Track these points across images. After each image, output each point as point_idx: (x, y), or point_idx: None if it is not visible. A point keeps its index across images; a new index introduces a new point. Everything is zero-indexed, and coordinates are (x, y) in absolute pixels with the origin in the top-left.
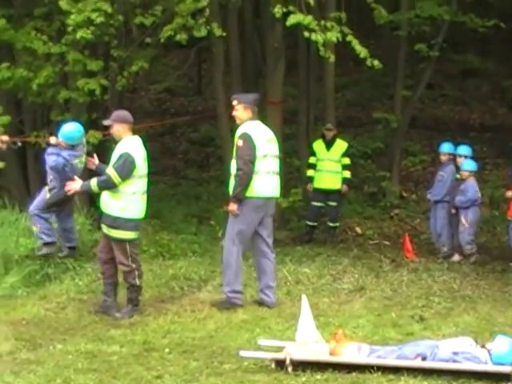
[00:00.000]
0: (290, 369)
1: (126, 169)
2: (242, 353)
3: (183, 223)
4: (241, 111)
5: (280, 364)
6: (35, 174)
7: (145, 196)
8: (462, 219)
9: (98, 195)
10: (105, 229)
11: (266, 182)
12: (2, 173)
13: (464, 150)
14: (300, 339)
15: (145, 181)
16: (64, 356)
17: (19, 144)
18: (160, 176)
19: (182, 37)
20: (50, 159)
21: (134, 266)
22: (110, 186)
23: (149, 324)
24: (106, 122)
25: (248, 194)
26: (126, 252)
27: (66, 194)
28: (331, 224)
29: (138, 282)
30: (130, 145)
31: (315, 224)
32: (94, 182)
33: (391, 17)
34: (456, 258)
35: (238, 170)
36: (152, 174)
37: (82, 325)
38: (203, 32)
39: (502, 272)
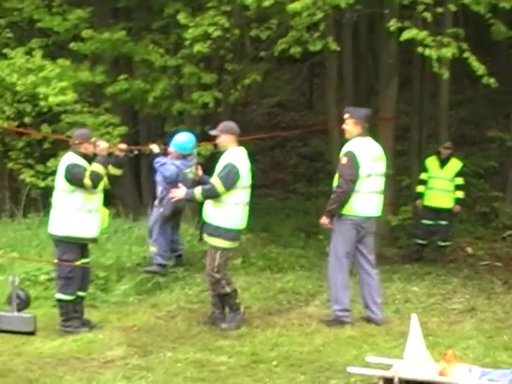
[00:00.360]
0: None
1: (230, 179)
2: (350, 369)
3: (291, 237)
4: (351, 126)
5: (388, 382)
6: (148, 183)
7: (247, 207)
8: None
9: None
10: (206, 237)
11: (367, 202)
12: (116, 182)
13: None
14: (409, 358)
15: (247, 192)
16: (173, 364)
17: (135, 152)
18: (269, 189)
19: (296, 50)
20: (165, 169)
21: (218, 276)
22: (213, 195)
23: (256, 336)
24: (212, 132)
25: (347, 213)
26: (215, 261)
27: (178, 203)
28: (441, 243)
29: (228, 289)
30: (235, 156)
31: (425, 242)
32: (198, 191)
33: (510, 33)
34: None
35: (337, 186)
36: (261, 188)
37: (191, 334)
38: (318, 46)
39: None
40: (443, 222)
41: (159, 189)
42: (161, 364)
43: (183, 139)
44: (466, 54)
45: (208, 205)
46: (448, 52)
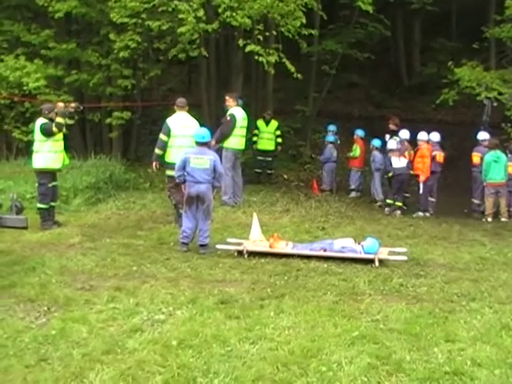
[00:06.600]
0: (246, 256)
1: None
2: (217, 246)
3: None
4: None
5: (240, 253)
6: (92, 138)
7: None
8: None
9: None
10: None
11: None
12: (70, 138)
13: (330, 127)
14: (252, 238)
15: None
16: (111, 245)
17: (81, 108)
18: None
19: (182, 56)
20: None
21: None
22: None
23: (161, 228)
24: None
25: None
26: None
27: None
28: (268, 171)
29: None
30: None
31: (260, 171)
32: None
33: (308, 48)
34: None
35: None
36: None
37: (120, 228)
38: (196, 53)
39: (369, 203)
40: (269, 159)
41: None
42: (103, 246)
43: None
44: (283, 60)
45: None
46: (272, 59)
